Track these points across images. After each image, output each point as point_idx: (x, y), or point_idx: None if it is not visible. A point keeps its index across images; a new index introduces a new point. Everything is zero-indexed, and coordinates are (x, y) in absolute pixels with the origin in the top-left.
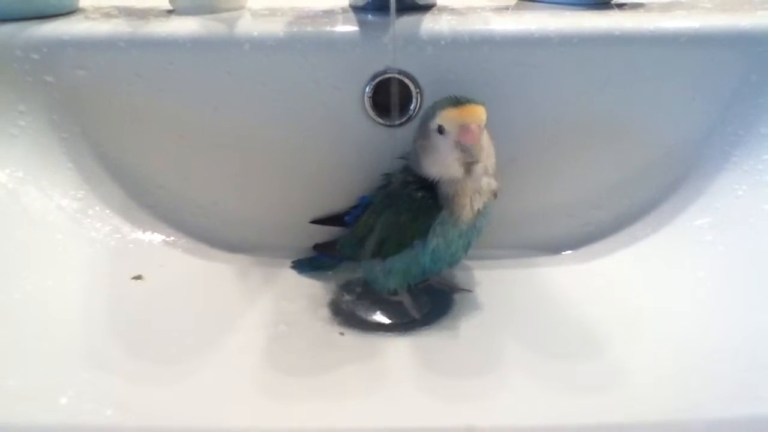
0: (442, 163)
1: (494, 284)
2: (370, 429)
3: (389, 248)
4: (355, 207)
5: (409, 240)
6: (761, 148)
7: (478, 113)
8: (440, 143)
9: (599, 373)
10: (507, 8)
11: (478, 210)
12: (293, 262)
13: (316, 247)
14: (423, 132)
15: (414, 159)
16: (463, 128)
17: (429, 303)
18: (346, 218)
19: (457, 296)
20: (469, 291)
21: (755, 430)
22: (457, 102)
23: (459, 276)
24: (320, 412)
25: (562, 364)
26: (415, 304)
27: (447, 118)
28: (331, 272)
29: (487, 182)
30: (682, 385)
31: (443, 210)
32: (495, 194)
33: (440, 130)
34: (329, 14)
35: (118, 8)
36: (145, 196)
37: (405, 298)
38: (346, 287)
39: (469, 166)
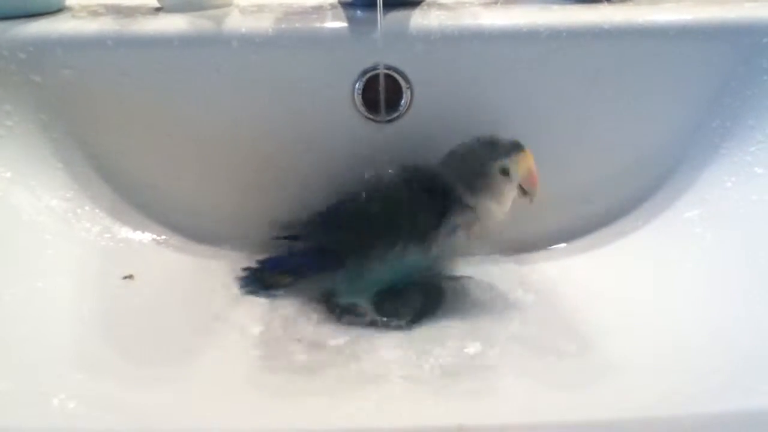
0: (502, 202)
1: (485, 279)
2: (359, 429)
3: (381, 242)
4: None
5: (388, 244)
6: (749, 140)
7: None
8: (504, 185)
9: (590, 368)
10: (496, 3)
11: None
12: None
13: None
14: (484, 171)
15: (464, 193)
16: (531, 174)
17: (419, 300)
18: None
19: (448, 293)
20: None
21: (749, 423)
22: (520, 147)
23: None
24: (310, 412)
25: (553, 359)
26: (382, 318)
27: (516, 163)
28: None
29: None
30: (673, 379)
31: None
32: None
33: (505, 173)
34: (318, 10)
35: (105, 6)
36: (135, 195)
37: (368, 313)
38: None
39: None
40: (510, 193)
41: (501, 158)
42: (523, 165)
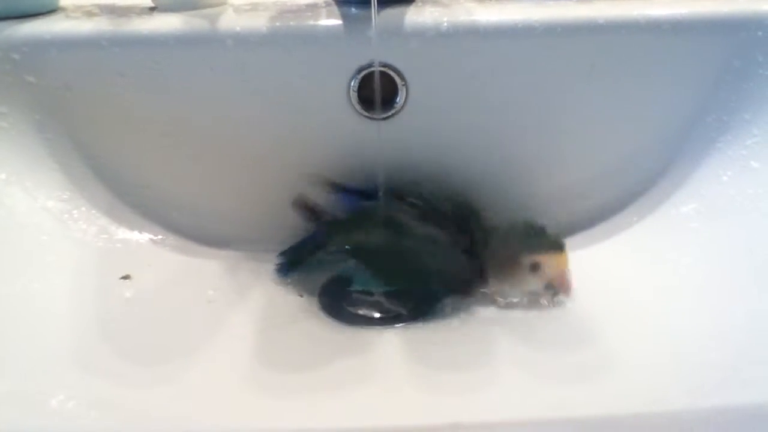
0: (522, 291)
1: None
2: (354, 428)
3: (398, 282)
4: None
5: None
6: (745, 134)
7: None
8: (531, 279)
9: (587, 364)
10: None
11: None
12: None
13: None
14: (510, 260)
15: (485, 270)
16: (563, 275)
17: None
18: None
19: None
20: None
21: (745, 416)
22: (558, 247)
23: None
24: (306, 410)
25: (551, 355)
26: (394, 302)
27: (550, 263)
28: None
29: None
30: (671, 373)
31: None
32: None
33: (534, 268)
34: (312, 8)
35: (99, 6)
36: (132, 195)
37: (381, 299)
38: (335, 282)
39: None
40: (534, 288)
41: (534, 253)
42: (555, 266)
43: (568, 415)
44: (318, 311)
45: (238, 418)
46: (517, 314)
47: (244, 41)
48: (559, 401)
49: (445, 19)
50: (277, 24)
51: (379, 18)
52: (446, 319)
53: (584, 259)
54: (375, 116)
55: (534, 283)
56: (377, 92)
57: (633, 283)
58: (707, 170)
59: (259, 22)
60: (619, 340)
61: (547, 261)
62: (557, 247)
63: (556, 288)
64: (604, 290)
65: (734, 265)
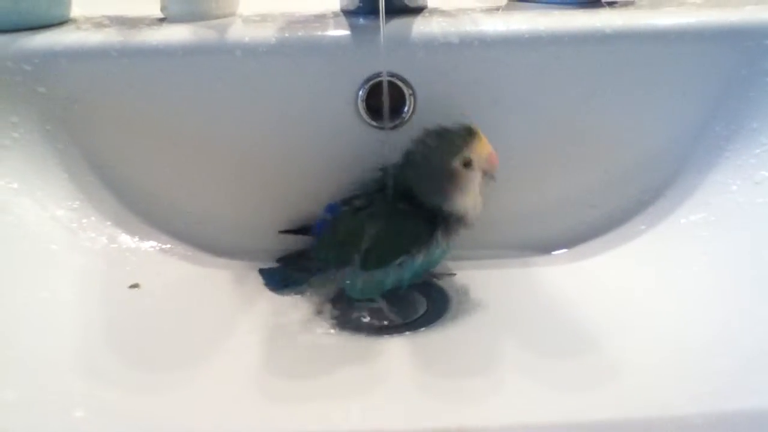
0: (473, 195)
1: (489, 284)
2: (360, 431)
3: (372, 262)
4: (322, 220)
5: (396, 256)
6: (753, 143)
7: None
8: (470, 177)
9: (595, 370)
10: (497, 9)
11: None
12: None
13: (281, 260)
14: (444, 172)
15: (431, 196)
16: (491, 155)
17: (425, 303)
18: (314, 230)
19: (453, 296)
20: (453, 274)
21: (753, 423)
22: (473, 132)
23: (454, 277)
24: (312, 415)
25: (557, 362)
26: (394, 309)
27: (477, 151)
28: (305, 286)
29: None
30: (678, 380)
31: (438, 231)
32: None
33: (468, 164)
34: (320, 19)
35: (109, 18)
36: (140, 205)
37: (383, 305)
38: (340, 290)
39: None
40: (476, 182)
41: (460, 152)
42: (483, 151)
43: (572, 419)
44: (325, 320)
45: (244, 424)
46: (522, 320)
47: (252, 52)
48: (565, 406)
49: (453, 29)
50: (286, 34)
51: (387, 28)
52: (451, 325)
53: (591, 268)
54: (383, 126)
55: (473, 177)
56: (385, 102)
57: (640, 292)
58: (715, 179)
59: (267, 33)
60: (625, 347)
61: (475, 151)
62: (473, 133)
63: (488, 170)
64: (611, 299)
65: (742, 273)
